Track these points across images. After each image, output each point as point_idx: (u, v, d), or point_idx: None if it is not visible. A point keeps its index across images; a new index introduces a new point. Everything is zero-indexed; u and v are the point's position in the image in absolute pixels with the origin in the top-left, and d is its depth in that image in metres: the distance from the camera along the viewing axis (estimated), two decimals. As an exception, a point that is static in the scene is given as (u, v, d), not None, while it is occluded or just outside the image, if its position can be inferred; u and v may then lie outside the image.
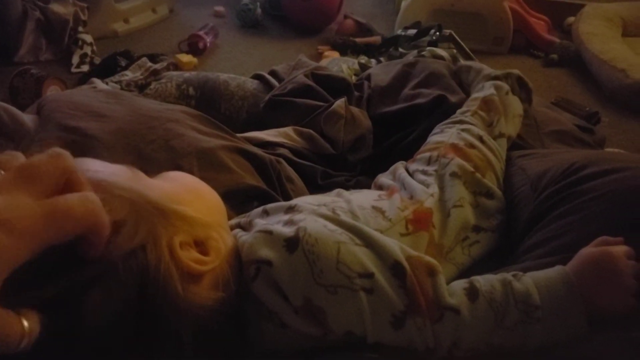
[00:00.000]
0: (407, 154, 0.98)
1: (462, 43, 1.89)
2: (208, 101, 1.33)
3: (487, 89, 1.07)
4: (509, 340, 0.62)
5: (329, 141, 1.15)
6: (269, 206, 0.75)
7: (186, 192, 0.65)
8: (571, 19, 2.52)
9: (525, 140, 1.12)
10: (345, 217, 0.68)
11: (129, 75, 1.61)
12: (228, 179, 0.90)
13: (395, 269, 0.62)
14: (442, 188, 0.85)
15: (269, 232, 0.63)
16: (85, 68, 2.05)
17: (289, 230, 0.62)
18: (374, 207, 0.77)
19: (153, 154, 0.88)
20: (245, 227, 0.71)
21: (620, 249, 0.66)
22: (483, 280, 0.66)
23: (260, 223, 0.69)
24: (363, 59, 1.91)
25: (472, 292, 0.64)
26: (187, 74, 1.41)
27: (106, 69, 1.82)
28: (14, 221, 0.38)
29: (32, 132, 0.89)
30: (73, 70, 2.04)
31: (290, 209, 0.71)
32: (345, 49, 2.28)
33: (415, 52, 1.61)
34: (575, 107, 1.84)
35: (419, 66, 1.28)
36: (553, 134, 1.21)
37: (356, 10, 2.71)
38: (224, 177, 0.90)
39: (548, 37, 2.43)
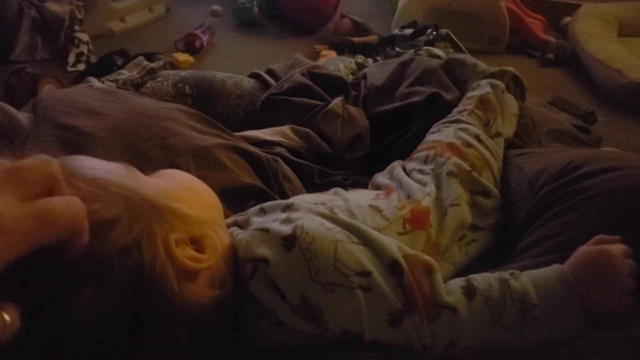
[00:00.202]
0: (404, 153, 0.98)
1: (458, 42, 1.90)
2: (204, 100, 1.33)
3: (483, 88, 1.07)
4: (506, 338, 0.62)
5: (326, 140, 1.15)
6: (266, 204, 0.75)
7: (182, 189, 0.65)
8: (567, 18, 2.52)
9: (522, 139, 1.12)
10: (342, 216, 0.68)
11: (125, 74, 1.60)
12: (225, 178, 0.89)
13: (392, 267, 0.62)
14: (438, 187, 0.85)
15: (266, 230, 0.63)
16: (81, 67, 2.04)
17: (286, 229, 0.62)
18: (371, 206, 0.77)
19: (149, 152, 0.87)
20: (242, 225, 0.71)
21: (617, 248, 0.66)
22: (480, 279, 0.66)
23: (258, 221, 0.69)
24: (360, 58, 1.91)
25: (470, 291, 0.64)
26: (183, 73, 1.41)
27: (102, 67, 1.81)
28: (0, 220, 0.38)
29: (27, 130, 0.89)
30: (69, 69, 2.03)
31: (288, 208, 0.71)
32: (342, 48, 2.27)
33: (412, 51, 1.61)
34: (571, 106, 1.84)
35: (414, 64, 1.28)
36: (550, 133, 1.21)
37: (353, 10, 2.71)
38: (221, 175, 0.89)
39: (544, 36, 2.43)
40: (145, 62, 1.67)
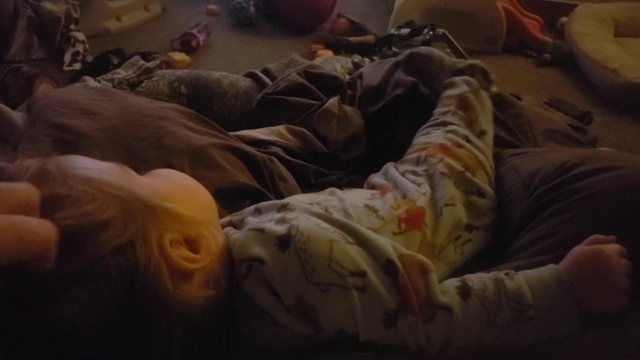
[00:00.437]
0: (401, 152, 0.97)
1: (455, 42, 1.90)
2: (200, 99, 1.32)
3: (459, 86, 1.05)
4: (501, 338, 0.62)
5: (321, 140, 1.15)
6: (262, 204, 0.75)
7: (177, 189, 0.64)
8: (564, 19, 2.53)
9: (518, 139, 1.12)
10: (337, 216, 0.68)
11: (121, 73, 1.60)
12: (220, 177, 0.89)
13: (387, 267, 0.62)
14: (432, 187, 0.85)
15: (261, 230, 0.62)
16: (77, 66, 2.03)
17: (281, 229, 0.62)
18: (366, 206, 0.77)
19: (144, 151, 0.87)
20: (237, 226, 0.71)
21: (612, 248, 0.66)
22: (475, 279, 0.66)
23: (253, 221, 0.68)
24: (356, 58, 1.91)
25: (465, 291, 0.64)
26: (179, 72, 1.41)
27: (98, 67, 1.81)
28: None
29: (22, 130, 0.88)
30: (65, 68, 2.02)
31: (283, 207, 0.71)
32: (338, 48, 2.27)
33: (408, 51, 1.60)
34: (567, 106, 1.84)
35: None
36: (546, 133, 1.21)
37: (350, 10, 2.71)
38: (216, 175, 0.89)
39: (541, 37, 2.43)
40: (142, 62, 1.67)
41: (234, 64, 2.20)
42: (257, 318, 0.61)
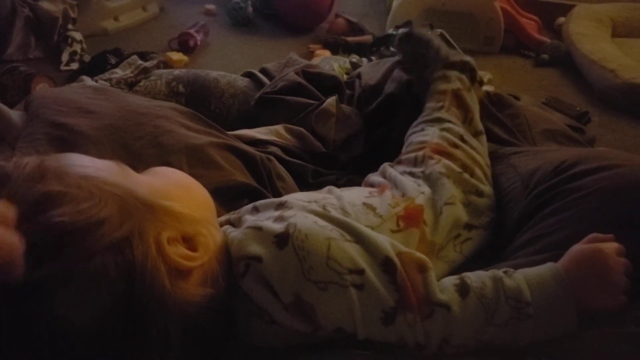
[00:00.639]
0: (399, 151, 0.97)
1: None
2: (198, 99, 1.32)
3: (453, 82, 1.03)
4: (500, 336, 0.62)
5: (319, 139, 1.15)
6: (259, 202, 0.75)
7: (174, 187, 0.64)
8: (561, 19, 2.53)
9: (516, 138, 1.12)
10: (335, 214, 0.68)
11: (118, 73, 1.60)
12: (218, 176, 0.89)
13: (385, 264, 0.62)
14: (432, 187, 0.84)
15: (258, 228, 0.62)
16: (74, 66, 2.03)
17: (279, 227, 0.62)
18: (365, 204, 0.77)
19: (142, 150, 0.87)
20: (235, 224, 0.71)
21: (611, 246, 0.66)
22: (474, 277, 0.66)
23: (250, 219, 0.68)
24: (354, 58, 1.91)
25: (463, 289, 0.64)
26: (177, 72, 1.40)
27: (96, 67, 1.80)
28: None
29: (19, 129, 0.88)
30: (62, 68, 2.02)
31: (281, 206, 0.71)
32: (336, 47, 2.27)
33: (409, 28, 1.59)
34: (565, 106, 1.84)
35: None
36: (544, 132, 1.21)
37: (348, 9, 2.71)
38: (214, 174, 0.89)
39: (539, 37, 2.43)
40: (139, 61, 1.66)
41: (232, 63, 2.19)
42: (255, 316, 0.61)
